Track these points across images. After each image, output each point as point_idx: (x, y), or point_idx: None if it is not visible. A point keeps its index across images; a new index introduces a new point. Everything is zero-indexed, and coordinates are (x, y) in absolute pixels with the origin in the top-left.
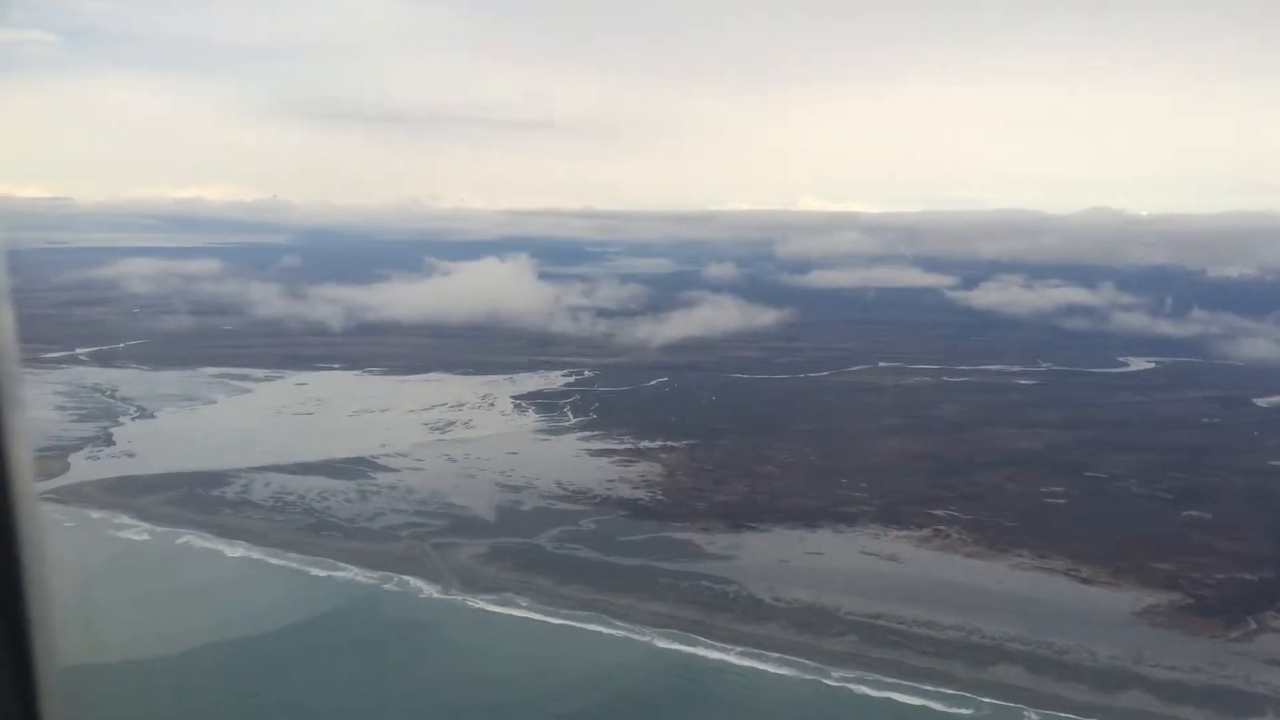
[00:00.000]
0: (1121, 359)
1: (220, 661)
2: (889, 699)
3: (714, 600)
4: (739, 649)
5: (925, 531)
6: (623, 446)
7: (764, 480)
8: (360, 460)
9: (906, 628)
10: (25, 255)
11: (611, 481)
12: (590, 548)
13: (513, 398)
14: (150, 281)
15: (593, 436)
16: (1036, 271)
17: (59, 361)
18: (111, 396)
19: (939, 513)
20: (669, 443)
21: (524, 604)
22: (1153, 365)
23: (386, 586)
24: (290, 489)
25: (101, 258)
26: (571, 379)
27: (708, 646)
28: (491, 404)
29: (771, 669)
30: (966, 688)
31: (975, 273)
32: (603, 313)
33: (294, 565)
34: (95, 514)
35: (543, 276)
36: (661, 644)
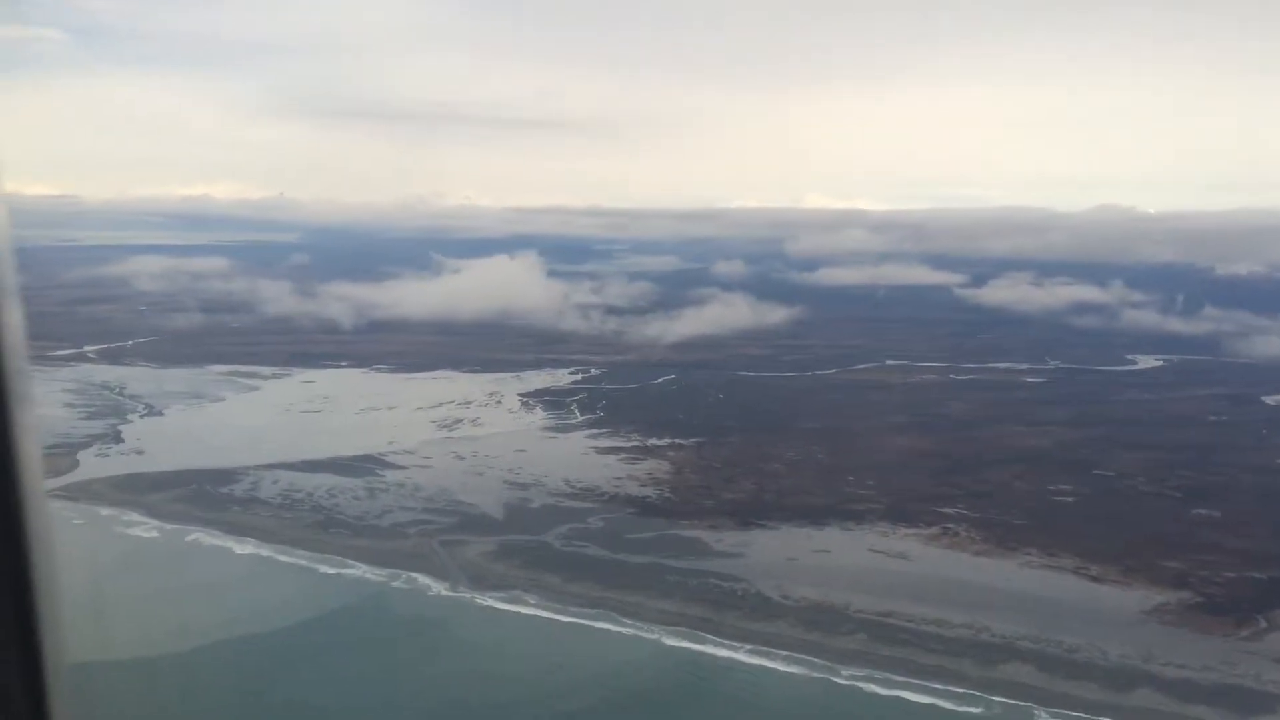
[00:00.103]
0: (1130, 357)
1: (229, 658)
2: (898, 697)
3: (722, 598)
4: (748, 647)
5: (934, 529)
6: (630, 444)
7: (772, 478)
8: (368, 458)
9: (916, 626)
10: (33, 253)
11: (619, 479)
12: (598, 545)
13: (520, 395)
14: (158, 279)
15: (600, 434)
16: (1045, 269)
17: (67, 359)
18: (120, 394)
19: (947, 511)
20: (676, 440)
21: (532, 601)
22: (1161, 363)
23: (395, 584)
24: (299, 486)
25: (109, 255)
26: (578, 376)
27: (716, 644)
28: (499, 402)
29: (780, 667)
30: (976, 686)
31: (984, 270)
32: (611, 310)
33: (303, 562)
34: (104, 511)
35: (550, 274)
36: (670, 642)
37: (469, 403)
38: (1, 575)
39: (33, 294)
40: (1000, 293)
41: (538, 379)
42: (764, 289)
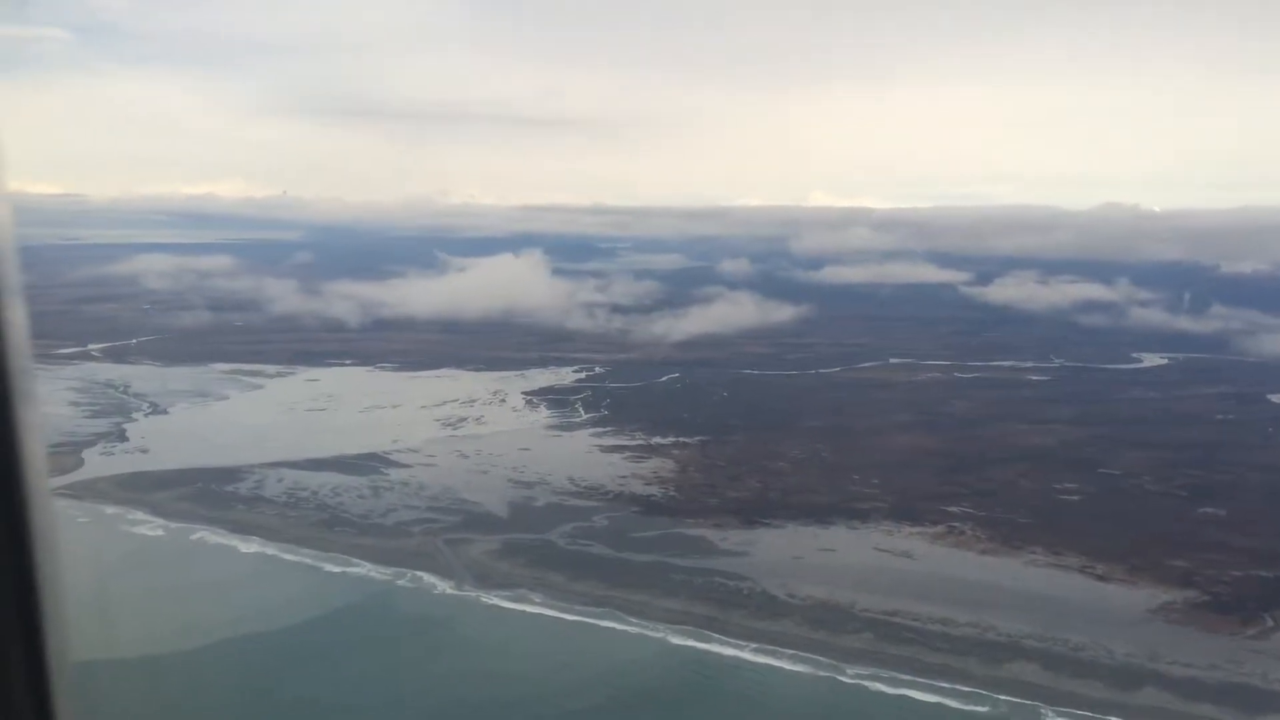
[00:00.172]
0: (1135, 355)
1: (234, 657)
2: (904, 696)
3: (728, 597)
4: (753, 645)
5: (939, 528)
6: (634, 442)
7: (776, 476)
8: (373, 456)
9: (921, 624)
10: (38, 251)
11: (624, 477)
12: (603, 544)
13: (524, 394)
14: (162, 277)
15: (604, 432)
16: (1051, 267)
17: (72, 357)
18: (124, 392)
19: (952, 509)
20: (681, 439)
21: (537, 600)
22: (1166, 361)
23: (400, 582)
24: (303, 485)
25: (114, 254)
26: (582, 375)
27: (722, 643)
28: (503, 400)
29: (786, 666)
30: (982, 685)
31: (989, 268)
32: (616, 309)
33: (307, 561)
34: (109, 510)
35: (555, 273)
36: (675, 640)
37: (473, 401)
38: (5, 574)
39: (37, 293)
40: (1006, 291)
41: (542, 377)
42: (769, 287)
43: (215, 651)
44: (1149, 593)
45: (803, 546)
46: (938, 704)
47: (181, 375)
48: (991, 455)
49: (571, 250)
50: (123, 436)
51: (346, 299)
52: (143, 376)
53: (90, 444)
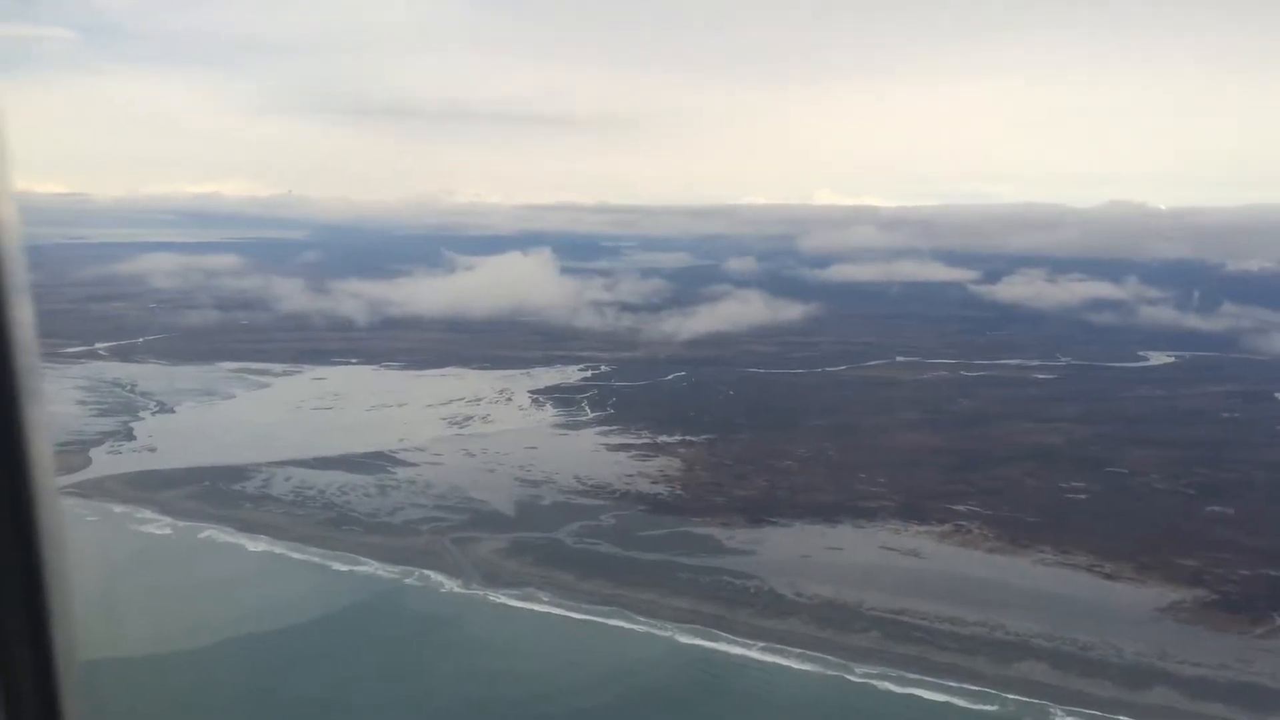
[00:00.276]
0: (1142, 353)
1: (242, 655)
2: (913, 695)
3: (735, 595)
4: (761, 644)
5: (946, 527)
6: (641, 441)
7: (783, 475)
8: (379, 455)
9: (929, 624)
10: (44, 251)
11: (630, 476)
12: (610, 543)
13: (530, 392)
14: (168, 276)
15: (611, 431)
16: (1058, 265)
17: (78, 356)
18: (131, 391)
19: (959, 508)
20: (687, 437)
21: (545, 599)
22: (1173, 359)
23: (408, 581)
24: (310, 484)
25: (119, 253)
26: (589, 374)
27: (730, 642)
28: (509, 399)
29: (794, 665)
30: (991, 684)
31: (997, 266)
32: (625, 307)
33: (315, 560)
34: (118, 508)
35: (561, 271)
36: (683, 639)
37: (479, 400)
38: (13, 573)
39: (43, 292)
40: (1014, 289)
41: (548, 376)
42: (776, 286)
43: (223, 650)
44: (1157, 591)
45: (810, 545)
46: (946, 703)
47: (188, 374)
48: (998, 454)
49: (577, 249)
50: (130, 435)
51: (353, 298)
52: (149, 375)
53: (98, 443)
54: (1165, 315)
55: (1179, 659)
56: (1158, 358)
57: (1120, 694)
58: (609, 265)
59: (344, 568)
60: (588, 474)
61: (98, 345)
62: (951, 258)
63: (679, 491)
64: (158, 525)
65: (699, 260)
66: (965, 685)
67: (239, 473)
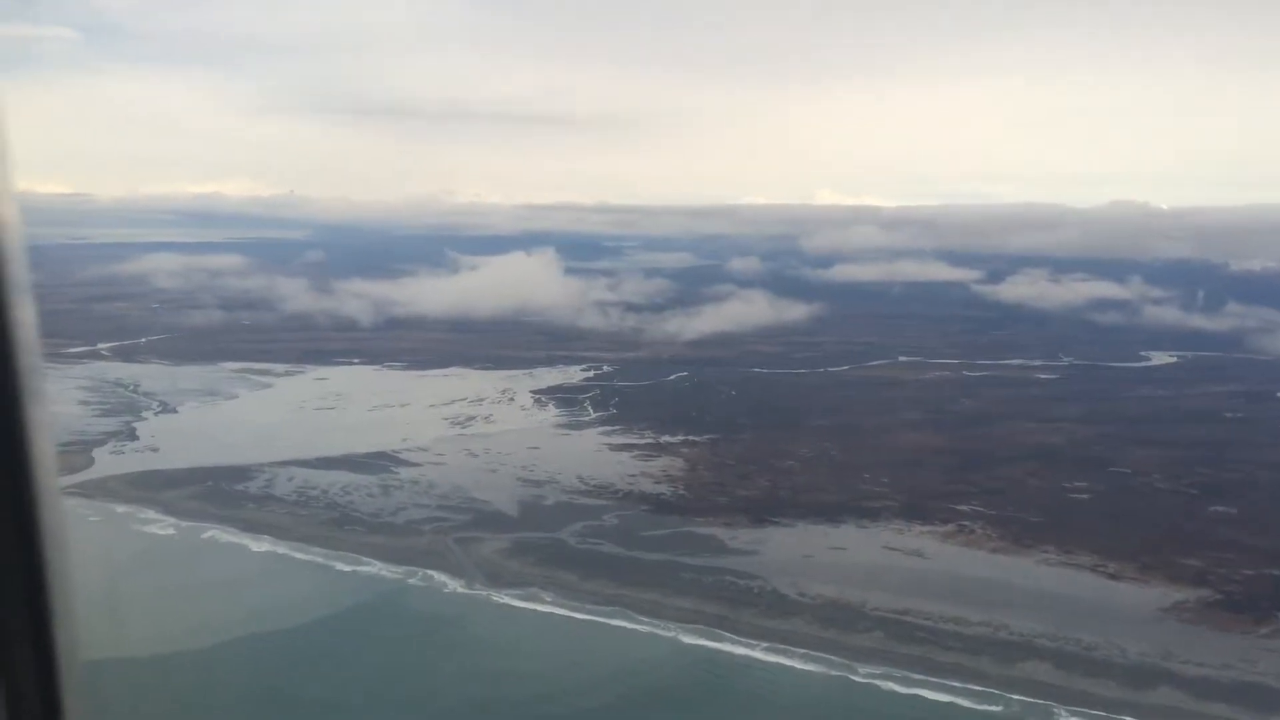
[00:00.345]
0: (1144, 353)
1: (245, 656)
2: (917, 695)
3: (738, 595)
4: (765, 644)
5: (949, 527)
6: (643, 441)
7: (785, 475)
8: (382, 455)
9: (933, 624)
10: (46, 251)
11: (633, 476)
12: (613, 543)
13: (532, 392)
14: (171, 276)
15: (613, 431)
16: (1060, 265)
17: (81, 356)
18: (134, 391)
19: (962, 508)
20: (690, 437)
21: (548, 599)
22: (1175, 359)
23: (411, 581)
24: (313, 484)
25: (121, 253)
26: (591, 374)
27: (733, 642)
28: (511, 399)
29: (798, 665)
30: (995, 684)
31: (999, 266)
32: (630, 307)
33: (318, 560)
34: (120, 508)
35: (564, 271)
36: (687, 639)
37: (481, 400)
38: (15, 573)
39: (46, 292)
40: (1018, 289)
41: (550, 376)
42: (779, 286)
43: (226, 650)
44: (1161, 591)
45: (813, 545)
46: (950, 703)
47: (191, 374)
48: (1001, 454)
49: (578, 249)
50: (133, 435)
51: (355, 298)
52: (152, 375)
53: (100, 443)
54: (1167, 315)
55: (1183, 659)
56: (1160, 358)
57: (1124, 694)
58: (611, 265)
59: (347, 568)
60: (590, 474)
61: (100, 345)
62: (953, 258)
63: (682, 491)
64: (161, 525)
65: (701, 260)
66: (969, 685)
67: (242, 473)
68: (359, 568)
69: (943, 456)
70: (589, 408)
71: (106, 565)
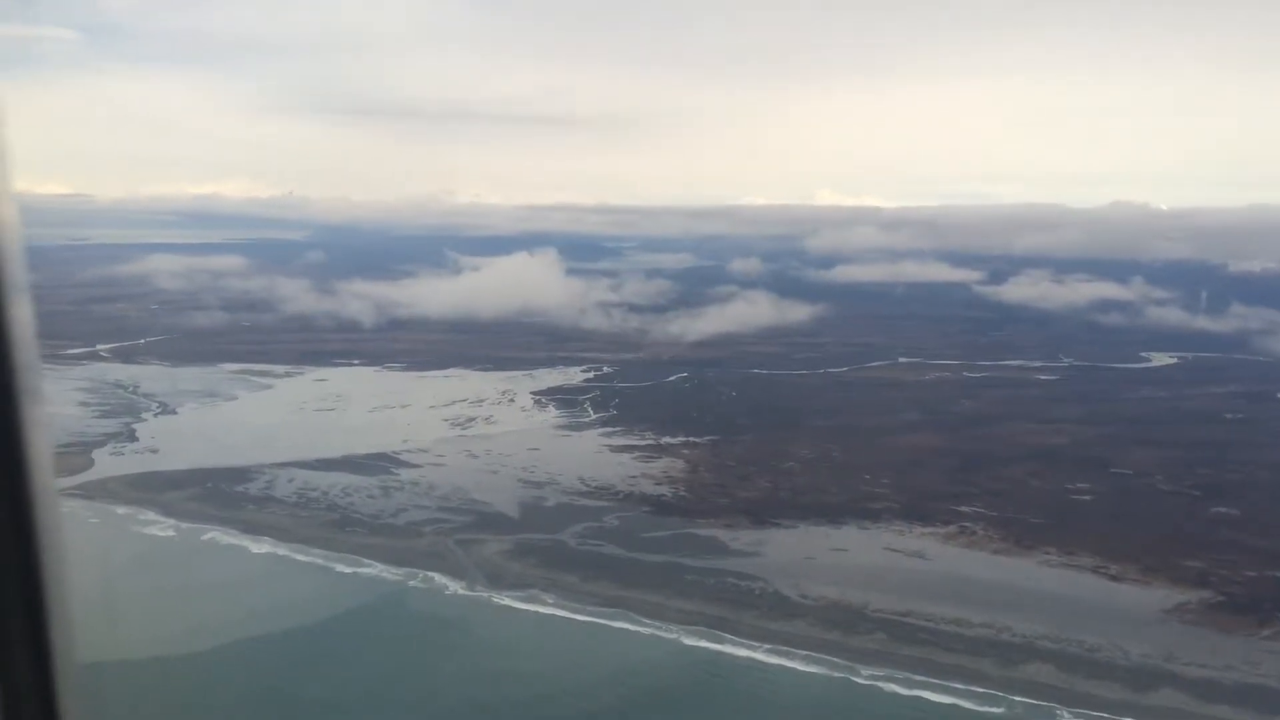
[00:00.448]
0: (1144, 354)
1: (245, 658)
2: (919, 697)
3: (740, 597)
4: (766, 646)
5: (950, 528)
6: (644, 442)
7: (786, 476)
8: (382, 456)
9: (935, 625)
10: (45, 251)
11: (634, 477)
12: (614, 544)
13: (533, 393)
14: (170, 277)
15: (614, 432)
16: (1061, 266)
17: (80, 358)
18: (133, 392)
19: (964, 509)
20: (690, 438)
21: (549, 600)
22: (1176, 360)
23: (411, 583)
24: (313, 485)
25: (121, 254)
26: (591, 375)
27: (735, 644)
28: (512, 400)
29: (800, 666)
30: (997, 686)
31: (1000, 267)
32: (633, 308)
33: (319, 561)
34: (120, 510)
35: (565, 272)
36: (688, 641)
37: (482, 401)
38: (11, 574)
39: (45, 293)
40: (1020, 290)
41: (550, 377)
42: (780, 286)
43: (226, 652)
44: (1163, 593)
45: (814, 547)
46: (952, 705)
47: (190, 375)
48: (1002, 455)
49: (579, 249)
50: (132, 436)
51: (355, 299)
52: (151, 376)
53: (100, 444)
54: (1168, 316)
55: (1185, 661)
56: (1160, 358)
57: (1127, 696)
58: (611, 266)
59: (347, 569)
60: (591, 475)
61: (99, 346)
62: (954, 258)
63: (683, 493)
64: (160, 527)
65: (702, 261)
66: (971, 687)
67: (242, 474)
68: (359, 569)
69: (944, 457)
70: (589, 409)
71: (106, 567)
